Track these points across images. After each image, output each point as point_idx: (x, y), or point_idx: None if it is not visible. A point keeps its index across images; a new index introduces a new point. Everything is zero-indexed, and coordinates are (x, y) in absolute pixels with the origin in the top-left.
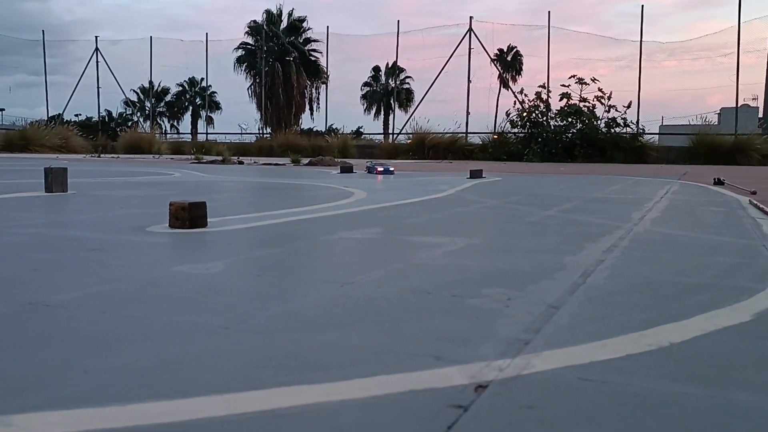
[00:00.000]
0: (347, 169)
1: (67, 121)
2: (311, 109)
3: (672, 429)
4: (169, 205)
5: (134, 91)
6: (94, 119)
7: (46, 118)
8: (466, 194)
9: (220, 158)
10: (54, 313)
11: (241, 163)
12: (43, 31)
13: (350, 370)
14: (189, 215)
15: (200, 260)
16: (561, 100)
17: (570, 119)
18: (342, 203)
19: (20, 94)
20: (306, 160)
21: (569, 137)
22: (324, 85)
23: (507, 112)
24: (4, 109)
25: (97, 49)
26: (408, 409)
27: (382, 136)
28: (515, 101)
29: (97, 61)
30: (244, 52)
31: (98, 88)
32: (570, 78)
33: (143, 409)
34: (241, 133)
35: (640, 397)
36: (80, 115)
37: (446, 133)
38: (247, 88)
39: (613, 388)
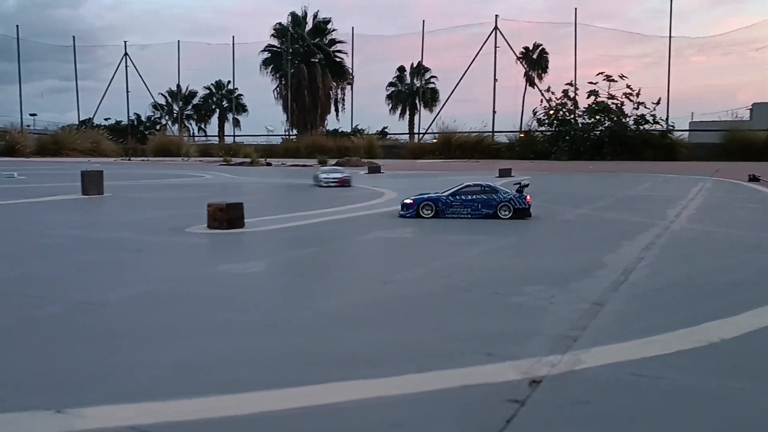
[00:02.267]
0: (375, 170)
1: (97, 125)
2: (336, 110)
3: (729, 424)
4: (207, 206)
5: (162, 94)
6: (123, 123)
7: (77, 123)
8: None
9: (248, 160)
10: (104, 312)
11: (269, 164)
12: (73, 36)
13: (401, 366)
14: (226, 216)
15: (241, 260)
16: (588, 97)
17: (598, 117)
18: (374, 203)
19: (51, 99)
20: (333, 161)
21: (597, 135)
22: (349, 86)
23: (534, 110)
24: (35, 115)
25: (126, 53)
26: (464, 403)
27: (408, 136)
28: (542, 99)
29: (126, 66)
30: (269, 55)
31: (127, 92)
32: (597, 75)
33: (197, 403)
34: (267, 135)
35: (695, 393)
36: (110, 119)
37: (472, 132)
38: (273, 90)
39: (666, 383)
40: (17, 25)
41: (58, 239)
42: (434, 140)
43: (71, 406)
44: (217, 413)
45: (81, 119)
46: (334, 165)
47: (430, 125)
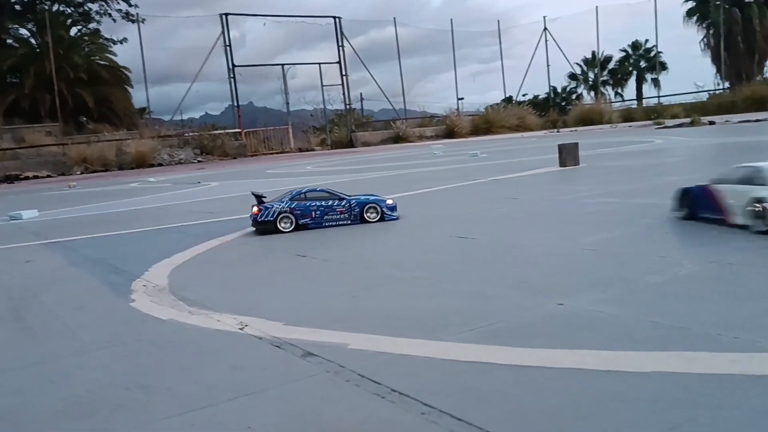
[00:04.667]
0: None
1: (517, 101)
2: None
3: None
4: None
5: (578, 63)
6: (539, 96)
7: (498, 102)
8: None
9: (687, 121)
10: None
11: (712, 123)
12: (498, 21)
13: None
14: None
15: None
16: None
17: None
18: None
19: (472, 81)
20: None
21: None
22: None
23: None
24: (462, 98)
25: (545, 28)
26: None
27: None
28: None
29: (546, 41)
30: (694, 4)
31: (548, 66)
32: None
33: None
34: (691, 93)
35: None
36: (527, 94)
37: None
38: (699, 42)
39: None
40: (451, 19)
41: (598, 207)
42: None
43: None
44: None
45: (504, 97)
46: None
47: None
